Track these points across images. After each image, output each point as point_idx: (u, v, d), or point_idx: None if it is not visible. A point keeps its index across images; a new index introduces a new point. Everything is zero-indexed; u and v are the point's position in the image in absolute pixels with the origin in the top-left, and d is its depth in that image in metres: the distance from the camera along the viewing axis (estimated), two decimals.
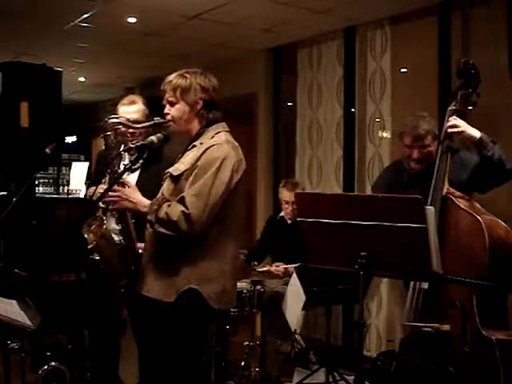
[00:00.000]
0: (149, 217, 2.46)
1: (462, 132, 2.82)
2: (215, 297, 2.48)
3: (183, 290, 2.44)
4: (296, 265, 4.08)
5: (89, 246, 2.78)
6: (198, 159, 2.47)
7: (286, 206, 4.38)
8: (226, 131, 2.61)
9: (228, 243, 2.53)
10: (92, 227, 2.80)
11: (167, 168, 2.68)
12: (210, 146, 2.48)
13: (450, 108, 2.95)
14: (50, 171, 7.54)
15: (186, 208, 2.38)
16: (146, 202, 2.53)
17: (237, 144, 2.60)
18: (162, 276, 2.49)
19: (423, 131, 2.95)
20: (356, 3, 4.35)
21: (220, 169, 2.44)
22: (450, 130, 2.82)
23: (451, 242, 2.72)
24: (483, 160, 2.85)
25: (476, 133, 2.83)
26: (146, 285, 2.55)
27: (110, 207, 2.68)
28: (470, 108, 2.95)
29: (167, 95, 2.59)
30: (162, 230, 2.43)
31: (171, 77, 2.60)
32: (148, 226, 2.57)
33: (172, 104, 2.58)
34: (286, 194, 4.36)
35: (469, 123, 2.87)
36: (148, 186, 2.84)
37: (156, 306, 2.50)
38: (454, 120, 2.83)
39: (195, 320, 2.50)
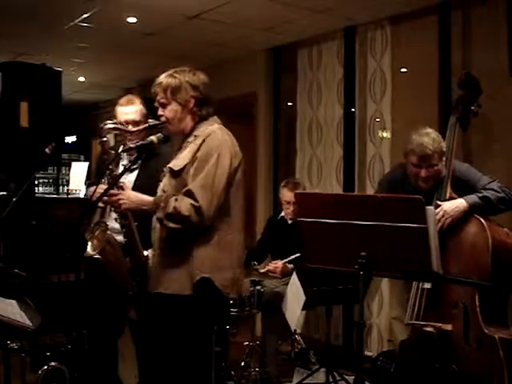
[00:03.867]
0: (157, 214, 2.48)
1: (452, 220, 2.76)
2: (228, 284, 2.52)
3: (196, 279, 2.46)
4: (292, 257, 4.10)
5: (94, 253, 2.77)
6: (197, 151, 2.49)
7: (287, 206, 4.37)
8: (219, 124, 2.64)
9: (233, 233, 2.56)
10: (96, 233, 2.80)
11: (161, 164, 2.71)
12: (207, 136, 2.51)
13: (451, 117, 2.97)
14: (49, 171, 7.54)
15: (196, 201, 2.40)
16: (147, 199, 2.56)
17: (230, 133, 2.63)
18: (174, 271, 2.51)
19: (430, 151, 2.83)
20: (356, 3, 4.35)
21: (219, 157, 2.47)
22: (439, 228, 2.72)
23: (455, 243, 2.74)
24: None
25: (463, 204, 2.78)
26: (159, 282, 2.56)
27: (113, 210, 2.69)
28: (471, 116, 2.96)
29: (158, 97, 2.59)
30: (172, 225, 2.46)
31: (160, 78, 2.60)
32: (154, 226, 2.58)
33: (164, 105, 2.59)
34: (286, 195, 4.35)
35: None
36: (146, 185, 2.86)
37: (173, 302, 2.51)
38: (441, 215, 2.77)
39: (210, 312, 2.53)
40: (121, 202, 2.58)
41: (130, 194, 2.60)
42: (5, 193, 5.44)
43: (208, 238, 2.49)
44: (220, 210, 2.48)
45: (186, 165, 2.51)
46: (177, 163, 2.55)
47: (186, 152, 2.54)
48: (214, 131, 2.54)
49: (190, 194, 2.43)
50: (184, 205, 2.41)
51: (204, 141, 2.50)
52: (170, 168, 2.57)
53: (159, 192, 2.59)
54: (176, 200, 2.44)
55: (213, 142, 2.50)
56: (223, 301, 2.57)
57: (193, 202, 2.40)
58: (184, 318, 2.50)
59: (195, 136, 2.56)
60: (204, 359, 2.59)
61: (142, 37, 5.32)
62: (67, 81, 6.09)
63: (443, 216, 2.77)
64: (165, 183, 2.60)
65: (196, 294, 2.47)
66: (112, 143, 3.41)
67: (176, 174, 2.53)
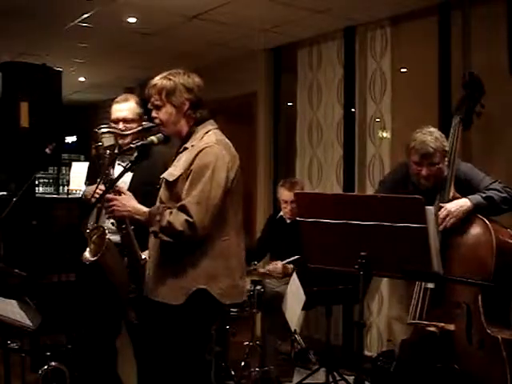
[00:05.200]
0: (152, 228, 2.47)
1: (456, 220, 2.78)
2: (225, 292, 2.50)
3: (192, 291, 2.45)
4: (292, 258, 4.09)
5: (92, 258, 2.76)
6: (192, 163, 2.47)
7: (285, 205, 4.36)
8: (216, 129, 2.61)
9: (230, 239, 2.54)
10: (93, 237, 2.77)
11: (156, 163, 2.72)
12: (202, 149, 2.48)
13: (455, 117, 2.97)
14: (50, 171, 7.53)
15: (190, 217, 2.38)
16: (142, 209, 2.53)
17: (227, 141, 2.60)
18: (169, 280, 2.50)
19: (431, 149, 2.84)
20: (356, 3, 4.35)
21: (215, 172, 2.44)
22: (443, 227, 2.76)
23: (458, 243, 2.75)
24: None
25: (467, 204, 2.79)
26: (153, 290, 2.56)
27: (108, 216, 2.67)
28: (474, 116, 2.96)
29: (153, 99, 2.57)
30: (166, 238, 2.45)
31: (155, 80, 2.58)
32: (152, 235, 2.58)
33: (158, 107, 2.57)
34: (284, 194, 4.34)
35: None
36: (140, 186, 2.87)
37: (165, 309, 2.50)
38: (444, 214, 2.78)
39: (205, 319, 2.54)
40: (114, 208, 2.54)
41: (126, 201, 2.56)
42: (5, 193, 5.45)
43: (202, 247, 2.47)
44: (214, 218, 2.45)
45: (180, 176, 2.49)
46: (171, 173, 2.53)
47: (182, 161, 2.52)
48: (211, 145, 2.49)
49: (184, 209, 2.40)
50: (178, 220, 2.39)
51: (199, 153, 2.47)
52: (164, 179, 2.55)
53: (157, 202, 2.58)
54: (171, 213, 2.42)
55: (208, 156, 2.46)
56: (220, 308, 2.55)
57: (187, 217, 2.38)
58: (180, 325, 2.49)
59: (192, 145, 2.53)
60: (200, 364, 2.59)
61: (142, 37, 5.32)
62: (67, 81, 6.09)
63: (447, 215, 2.77)
64: (161, 193, 2.59)
65: (192, 303, 2.45)
66: (112, 142, 3.41)
67: (170, 184, 2.52)
